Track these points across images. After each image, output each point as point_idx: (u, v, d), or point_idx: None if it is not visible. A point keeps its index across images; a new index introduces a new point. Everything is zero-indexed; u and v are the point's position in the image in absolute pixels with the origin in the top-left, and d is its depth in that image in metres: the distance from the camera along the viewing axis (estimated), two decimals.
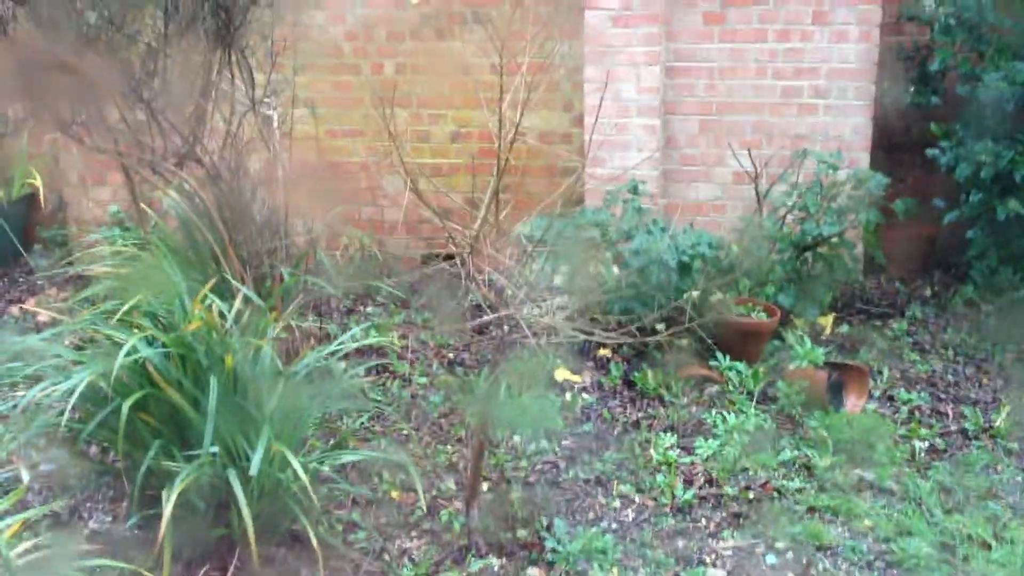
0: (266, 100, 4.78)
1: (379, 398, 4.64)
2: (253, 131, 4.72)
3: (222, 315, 3.61)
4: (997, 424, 4.44)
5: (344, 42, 6.65)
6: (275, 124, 4.91)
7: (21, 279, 6.39)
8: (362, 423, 4.37)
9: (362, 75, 6.61)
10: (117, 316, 3.53)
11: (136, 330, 3.43)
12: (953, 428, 4.47)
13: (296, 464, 3.13)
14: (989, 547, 3.59)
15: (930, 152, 5.68)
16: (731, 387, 4.77)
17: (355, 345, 4.80)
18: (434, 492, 3.96)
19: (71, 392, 3.15)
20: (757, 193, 5.49)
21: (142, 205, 4.57)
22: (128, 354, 3.22)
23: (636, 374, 4.91)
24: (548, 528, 3.73)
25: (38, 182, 6.73)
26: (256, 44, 4.48)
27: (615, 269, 5.20)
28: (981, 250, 5.50)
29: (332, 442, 4.03)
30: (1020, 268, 5.40)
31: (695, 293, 5.07)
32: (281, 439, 3.36)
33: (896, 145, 6.21)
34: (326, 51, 6.62)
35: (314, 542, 3.26)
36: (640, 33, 5.96)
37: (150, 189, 4.68)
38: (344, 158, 6.56)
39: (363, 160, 6.49)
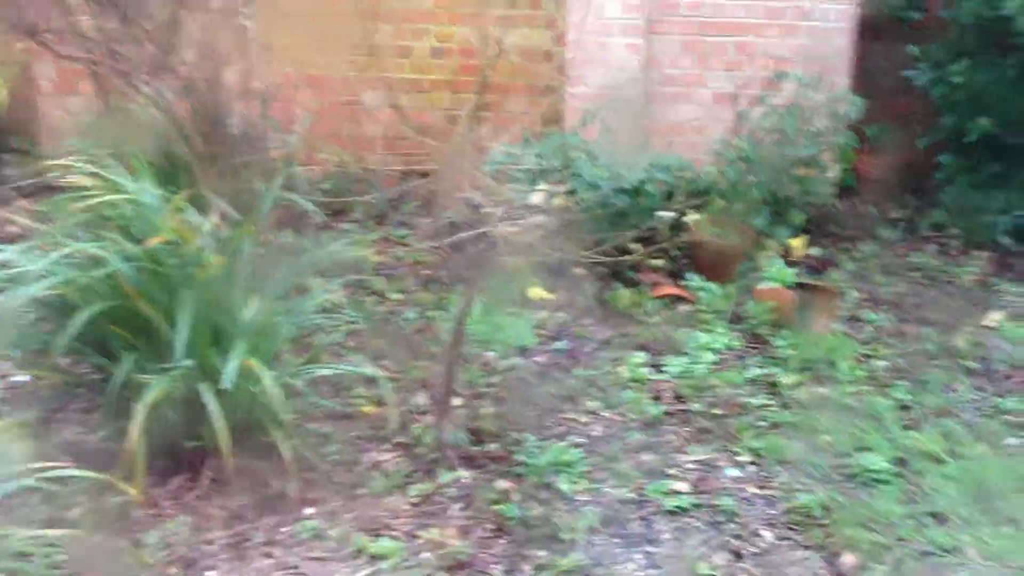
0: (242, 9, 4.73)
1: (354, 314, 4.68)
2: (230, 42, 4.68)
3: (198, 228, 3.63)
4: (958, 344, 4.54)
5: None
6: (252, 34, 4.87)
7: None
8: (336, 339, 4.42)
9: None
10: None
11: (109, 242, 3.45)
12: (915, 348, 4.57)
13: (267, 378, 3.18)
14: (943, 462, 3.70)
15: (908, 73, 5.69)
16: (702, 306, 4.83)
17: (331, 261, 4.84)
18: (407, 407, 4.03)
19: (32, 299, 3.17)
20: (736, 114, 5.48)
21: (115, 116, 4.54)
22: (99, 266, 3.24)
23: (610, 293, 4.97)
24: (518, 442, 3.81)
25: (6, 90, 6.65)
26: None
27: (592, 193, 5.23)
28: (952, 174, 5.55)
29: (306, 356, 4.07)
30: (988, 192, 5.45)
31: (669, 214, 5.12)
32: (255, 353, 3.41)
33: (878, 69, 6.20)
34: None
35: (287, 454, 3.32)
36: None
37: (124, 100, 4.64)
38: (325, 71, 6.50)
39: (343, 74, 6.43)
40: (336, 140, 6.40)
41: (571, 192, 5.28)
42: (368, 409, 4.00)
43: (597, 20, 5.94)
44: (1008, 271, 5.31)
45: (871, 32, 6.00)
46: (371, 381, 4.13)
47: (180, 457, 3.52)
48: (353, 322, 4.53)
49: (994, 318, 4.78)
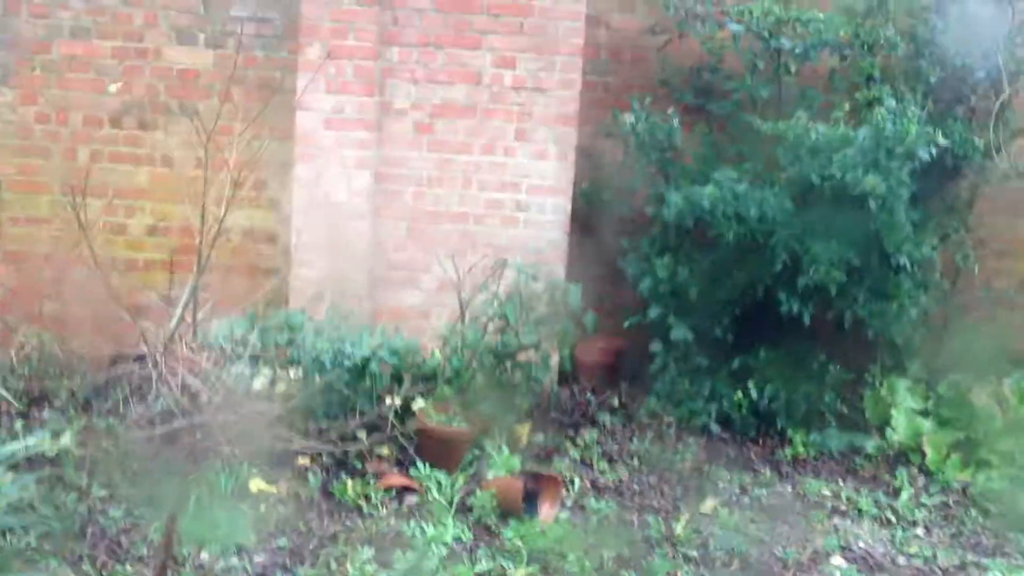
0: None
1: (50, 514, 4.24)
2: None
3: None
4: (677, 532, 4.68)
5: (35, 124, 6.25)
6: None
7: None
8: (29, 543, 3.97)
9: (53, 160, 6.21)
10: None
11: None
12: (638, 536, 4.67)
13: None
14: None
15: (619, 264, 6.05)
16: (431, 496, 4.75)
17: (25, 454, 4.41)
18: None
19: None
20: (460, 301, 5.59)
21: None
22: None
23: (335, 484, 4.81)
24: None
25: None
26: None
27: (317, 376, 5.12)
28: (662, 363, 5.86)
29: None
30: (696, 381, 5.80)
31: (397, 400, 5.08)
32: None
33: (592, 258, 6.55)
34: (14, 131, 6.20)
35: None
36: (351, 137, 6.01)
37: None
38: (27, 248, 6.11)
39: (49, 251, 6.06)
40: (37, 321, 5.93)
41: (295, 375, 5.14)
42: None
43: (324, 203, 5.96)
44: (719, 457, 5.57)
45: (585, 225, 6.35)
46: None
47: None
48: (49, 523, 4.11)
49: (709, 505, 4.99)
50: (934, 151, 5.39)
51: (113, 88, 6.19)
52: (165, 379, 5.23)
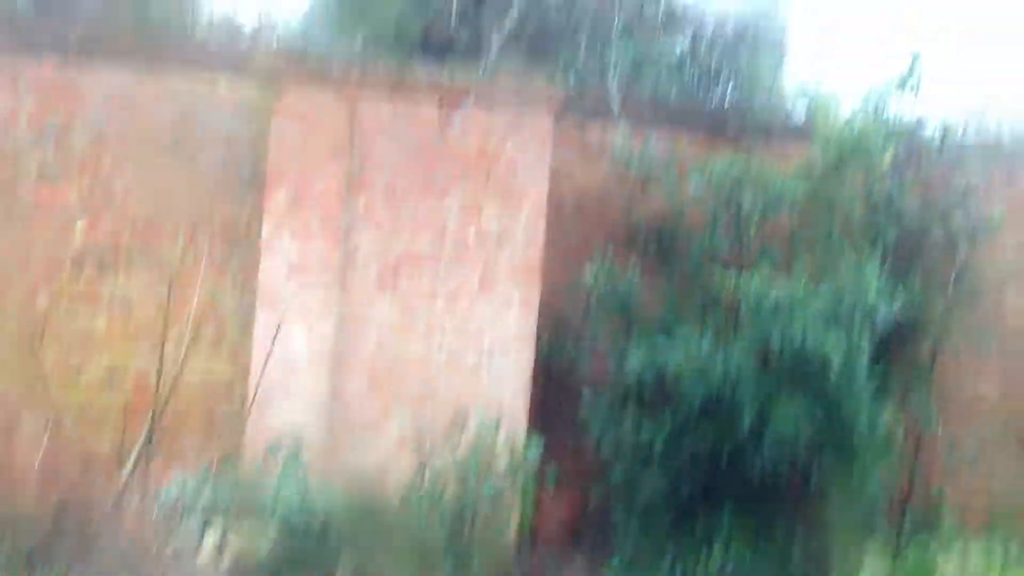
0: None
1: None
2: None
3: None
4: None
5: None
6: None
7: None
8: None
9: (11, 304, 6.11)
10: None
11: None
12: None
13: None
14: None
15: (581, 420, 5.98)
16: None
17: None
18: None
19: None
20: (421, 455, 5.49)
21: None
22: None
23: None
24: None
25: None
26: None
27: (272, 533, 4.99)
28: (625, 521, 5.76)
29: None
30: (659, 541, 5.69)
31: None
32: None
33: (554, 410, 6.49)
34: None
35: None
36: (315, 286, 5.98)
37: None
38: None
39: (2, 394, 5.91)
40: None
41: (249, 532, 5.01)
42: None
43: (284, 352, 5.88)
44: None
45: (548, 376, 6.29)
46: None
47: None
48: None
49: None
50: (894, 310, 5.43)
51: (79, 226, 6.13)
52: (114, 534, 5.09)
